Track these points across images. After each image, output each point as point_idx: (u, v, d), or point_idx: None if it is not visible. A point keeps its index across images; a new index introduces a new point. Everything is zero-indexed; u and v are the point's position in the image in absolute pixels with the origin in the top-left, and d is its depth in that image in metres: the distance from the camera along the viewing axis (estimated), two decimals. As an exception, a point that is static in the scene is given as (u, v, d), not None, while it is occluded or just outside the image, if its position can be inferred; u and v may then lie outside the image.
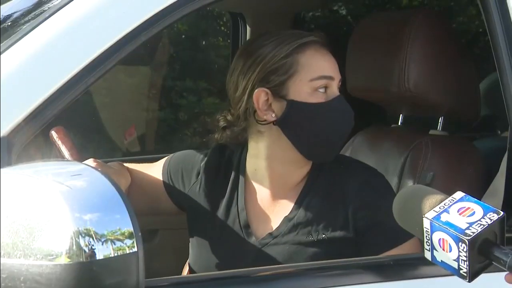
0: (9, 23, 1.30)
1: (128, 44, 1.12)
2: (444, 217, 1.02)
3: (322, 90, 1.41)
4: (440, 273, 1.24)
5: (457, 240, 1.00)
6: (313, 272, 1.24)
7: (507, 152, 1.38)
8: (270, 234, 1.44)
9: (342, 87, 1.86)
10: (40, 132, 1.09)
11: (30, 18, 1.20)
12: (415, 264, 1.29)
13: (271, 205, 1.48)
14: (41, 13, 1.17)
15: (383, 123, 2.03)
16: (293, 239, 1.42)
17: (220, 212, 1.51)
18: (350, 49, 1.84)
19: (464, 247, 0.99)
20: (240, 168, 1.53)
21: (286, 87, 1.41)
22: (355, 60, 1.83)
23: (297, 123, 1.42)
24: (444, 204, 1.04)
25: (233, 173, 1.53)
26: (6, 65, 1.08)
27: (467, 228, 1.00)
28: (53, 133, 1.56)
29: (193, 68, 4.53)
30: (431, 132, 1.78)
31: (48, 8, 1.18)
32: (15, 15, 1.35)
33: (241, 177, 1.52)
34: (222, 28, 4.58)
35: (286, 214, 1.44)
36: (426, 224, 1.03)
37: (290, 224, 1.43)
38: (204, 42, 4.69)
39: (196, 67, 4.55)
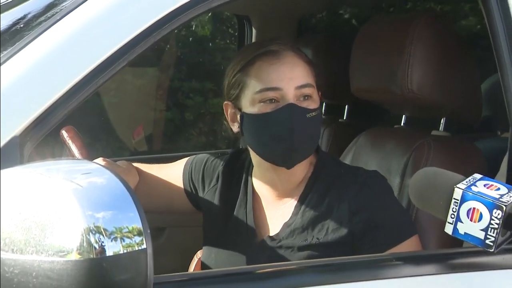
0: (21, 25, 1.30)
1: (136, 47, 1.12)
2: (475, 189, 1.07)
3: (270, 100, 1.39)
4: (439, 271, 1.25)
5: (493, 207, 1.04)
6: (313, 270, 1.25)
7: (507, 152, 1.37)
8: (271, 237, 1.46)
9: (341, 87, 1.86)
10: (51, 131, 1.09)
11: (41, 20, 1.20)
12: (416, 262, 1.29)
13: (273, 210, 1.50)
14: (52, 15, 1.17)
15: (386, 124, 2.02)
16: (290, 243, 1.43)
17: (232, 214, 1.53)
18: (355, 51, 1.83)
19: (499, 214, 1.03)
20: (249, 173, 1.55)
21: (240, 100, 1.44)
22: (359, 61, 1.82)
23: (250, 133, 1.43)
24: (469, 181, 1.09)
25: (243, 178, 1.56)
26: (17, 68, 1.08)
27: (500, 198, 1.04)
28: (64, 133, 1.56)
29: (199, 70, 4.54)
30: (433, 132, 1.77)
31: (59, 11, 1.18)
32: (28, 17, 1.35)
33: (249, 182, 1.55)
34: (230, 30, 4.59)
35: (286, 220, 1.46)
36: (457, 194, 1.07)
37: (289, 230, 1.44)
38: (210, 44, 4.70)
39: (203, 68, 4.55)
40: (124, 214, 0.88)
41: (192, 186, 1.63)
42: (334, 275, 1.23)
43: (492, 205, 1.04)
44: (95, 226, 0.86)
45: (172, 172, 1.66)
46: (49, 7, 1.30)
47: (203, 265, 1.57)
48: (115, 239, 0.87)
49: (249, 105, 1.41)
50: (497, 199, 1.04)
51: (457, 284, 1.24)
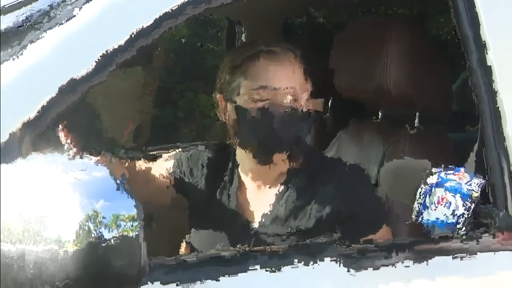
0: (21, 29, 1.27)
1: (127, 49, 1.10)
2: (444, 177, 1.08)
3: (263, 98, 1.38)
4: (410, 258, 1.23)
5: (461, 195, 1.05)
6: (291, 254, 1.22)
7: (477, 143, 1.37)
8: (254, 225, 1.46)
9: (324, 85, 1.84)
10: (47, 127, 1.07)
11: (39, 26, 1.18)
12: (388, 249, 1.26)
13: (257, 199, 1.49)
14: (49, 21, 1.15)
15: (366, 118, 2.02)
16: (272, 230, 1.42)
17: (216, 201, 1.52)
18: (335, 51, 1.83)
19: (467, 201, 1.05)
20: (234, 164, 1.54)
21: (236, 94, 1.41)
22: (340, 61, 1.82)
23: (239, 125, 1.42)
24: (437, 170, 1.10)
25: (229, 167, 1.54)
26: (16, 68, 1.07)
27: (467, 186, 1.05)
28: (60, 129, 1.54)
29: (191, 70, 4.53)
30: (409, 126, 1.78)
31: (56, 17, 1.16)
32: (28, 23, 1.33)
33: (235, 171, 1.53)
34: (219, 34, 4.58)
35: (268, 208, 1.45)
36: (427, 183, 1.07)
37: (270, 217, 1.43)
38: (201, 47, 4.70)
39: (195, 70, 4.55)
40: (118, 204, 0.88)
41: (180, 176, 1.60)
42: (310, 259, 1.20)
43: (460, 192, 1.04)
44: (91, 216, 0.85)
45: (159, 167, 1.63)
46: (46, 13, 1.28)
47: (190, 247, 1.56)
48: (111, 227, 0.86)
49: (243, 100, 1.40)
50: (465, 187, 1.04)
51: (428, 269, 1.22)
